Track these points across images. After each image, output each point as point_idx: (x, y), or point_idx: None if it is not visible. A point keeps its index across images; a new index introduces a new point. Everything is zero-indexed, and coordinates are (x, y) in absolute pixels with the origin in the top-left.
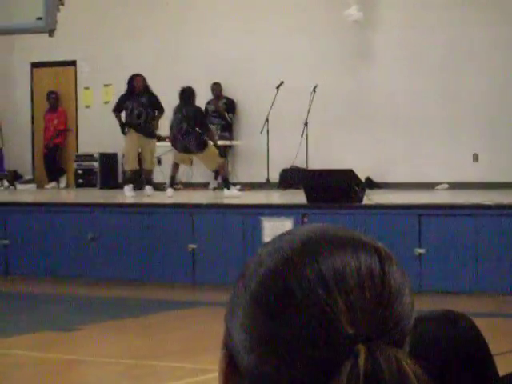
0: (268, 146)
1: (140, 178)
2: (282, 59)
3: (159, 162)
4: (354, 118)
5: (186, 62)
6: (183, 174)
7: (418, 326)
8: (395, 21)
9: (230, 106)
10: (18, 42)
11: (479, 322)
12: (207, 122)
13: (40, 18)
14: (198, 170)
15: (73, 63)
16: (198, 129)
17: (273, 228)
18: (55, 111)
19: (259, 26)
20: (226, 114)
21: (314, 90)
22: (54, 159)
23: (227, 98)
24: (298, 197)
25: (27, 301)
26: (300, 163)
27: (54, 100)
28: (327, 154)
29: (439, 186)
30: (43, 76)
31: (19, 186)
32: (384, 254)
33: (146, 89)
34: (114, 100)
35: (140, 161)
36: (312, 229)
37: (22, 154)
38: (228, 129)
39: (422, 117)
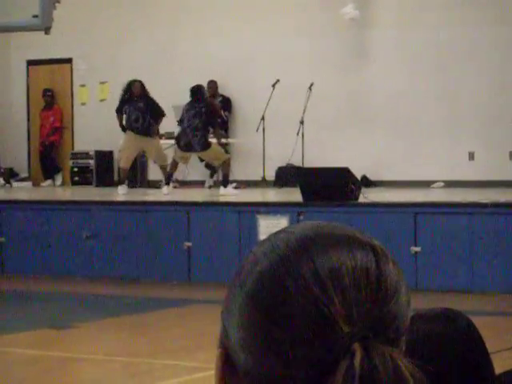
0: (264, 144)
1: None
2: (278, 57)
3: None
4: (350, 117)
5: (181, 60)
6: (179, 172)
7: (416, 324)
8: (392, 19)
9: (226, 104)
10: (14, 40)
11: (475, 321)
12: (217, 118)
13: (36, 16)
14: (193, 168)
15: (69, 61)
16: (207, 125)
17: (268, 226)
18: (51, 109)
19: (255, 24)
20: (222, 112)
21: (309, 88)
22: (49, 157)
23: (223, 96)
24: (294, 195)
25: (23, 299)
26: (296, 161)
27: (49, 98)
28: (323, 152)
29: (435, 185)
30: (39, 73)
31: (15, 184)
32: (380, 252)
33: (144, 94)
34: (109, 98)
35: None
36: (307, 227)
37: (17, 152)
38: (224, 127)
39: (418, 115)
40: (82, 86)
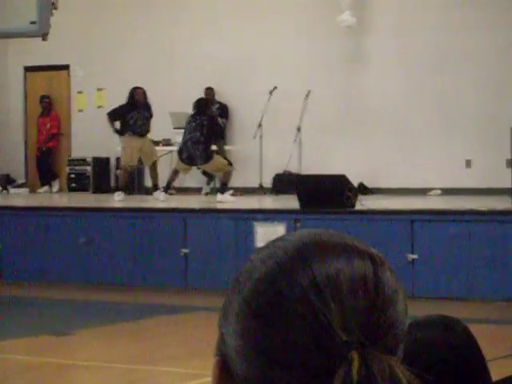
0: (261, 151)
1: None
2: (275, 65)
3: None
4: (347, 124)
5: (179, 67)
6: (176, 178)
7: (413, 331)
8: (388, 26)
9: (223, 110)
10: (12, 46)
11: (472, 328)
12: (219, 130)
13: (34, 22)
14: (190, 175)
15: (66, 67)
16: (210, 138)
17: (265, 233)
18: (48, 115)
19: (252, 31)
20: (220, 119)
21: (306, 95)
22: (46, 163)
23: (220, 103)
24: (291, 202)
25: (20, 305)
26: (293, 168)
27: (47, 104)
28: (320, 160)
29: (432, 192)
30: (37, 80)
31: (12, 190)
32: (378, 260)
33: (146, 101)
34: (107, 104)
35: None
36: (305, 234)
37: (14, 158)
38: (221, 134)
39: (415, 122)
40: (80, 92)
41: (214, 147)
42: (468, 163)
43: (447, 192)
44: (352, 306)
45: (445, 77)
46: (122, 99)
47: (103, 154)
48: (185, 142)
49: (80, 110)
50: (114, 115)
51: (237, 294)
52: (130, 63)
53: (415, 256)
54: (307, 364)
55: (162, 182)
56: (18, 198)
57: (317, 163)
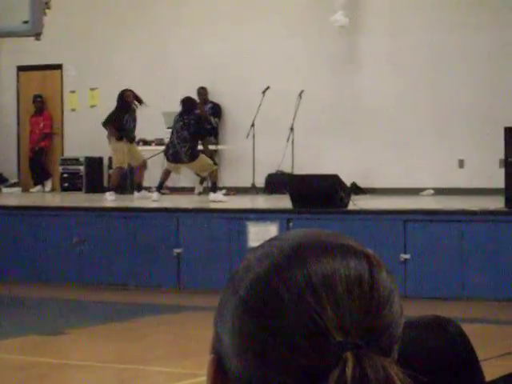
0: (254, 151)
1: (125, 183)
2: (268, 64)
3: (145, 165)
4: (339, 124)
5: (172, 66)
6: (169, 178)
7: (406, 331)
8: (381, 26)
9: (216, 110)
10: (4, 45)
11: (465, 328)
12: (206, 130)
13: (26, 22)
14: (183, 174)
15: (59, 67)
16: (196, 137)
17: (258, 232)
18: (41, 114)
19: (245, 31)
20: (212, 119)
21: (299, 95)
22: (39, 163)
23: (213, 103)
24: (284, 202)
25: (13, 305)
26: (286, 168)
27: (40, 103)
28: (313, 159)
29: (425, 192)
30: (29, 79)
31: (4, 190)
32: (374, 261)
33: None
34: (100, 104)
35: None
36: (302, 234)
37: (7, 158)
38: (214, 133)
39: (408, 122)
40: (72, 92)
41: (200, 147)
42: (461, 163)
43: (440, 192)
44: (347, 306)
45: (438, 77)
46: (114, 99)
47: (96, 154)
48: (172, 141)
49: (73, 110)
50: (111, 122)
51: (232, 294)
52: (122, 63)
53: (408, 256)
54: (301, 363)
55: (154, 182)
56: (11, 197)
57: (310, 163)
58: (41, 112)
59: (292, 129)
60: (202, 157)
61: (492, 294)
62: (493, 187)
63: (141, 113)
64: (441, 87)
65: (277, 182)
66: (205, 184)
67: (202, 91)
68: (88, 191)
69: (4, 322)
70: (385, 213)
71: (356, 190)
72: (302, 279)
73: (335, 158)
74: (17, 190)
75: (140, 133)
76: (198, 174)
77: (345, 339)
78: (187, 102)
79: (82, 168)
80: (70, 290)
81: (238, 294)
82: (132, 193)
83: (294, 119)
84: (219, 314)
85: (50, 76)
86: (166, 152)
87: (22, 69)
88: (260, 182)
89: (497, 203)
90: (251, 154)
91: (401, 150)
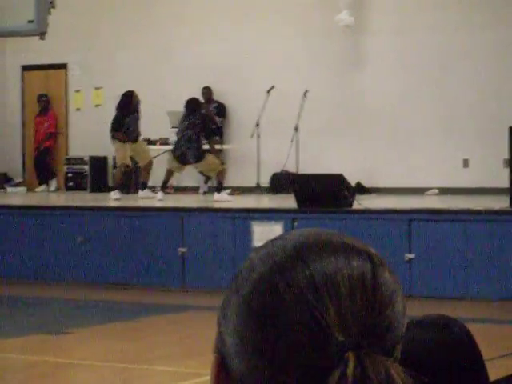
0: (258, 151)
1: (130, 182)
2: (273, 64)
3: (151, 165)
4: (344, 123)
5: (176, 65)
6: (173, 177)
7: (411, 330)
8: (386, 25)
9: (221, 110)
10: (9, 45)
11: (469, 328)
12: (211, 129)
13: (31, 21)
14: (187, 174)
15: (63, 66)
16: (202, 138)
17: (263, 232)
18: (46, 114)
19: (250, 31)
20: (217, 118)
21: (304, 94)
22: (44, 162)
23: (218, 102)
24: (288, 201)
25: (17, 304)
26: (290, 168)
27: (44, 103)
28: (318, 159)
29: (429, 192)
30: (34, 79)
31: (9, 189)
32: (377, 261)
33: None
34: (104, 103)
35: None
36: (305, 234)
37: (12, 157)
38: (218, 133)
39: (412, 122)
40: (77, 91)
41: (206, 147)
42: (465, 163)
43: (444, 191)
44: (349, 306)
45: (442, 76)
46: (119, 98)
47: (101, 153)
48: (178, 141)
49: (77, 109)
50: (120, 124)
51: (235, 293)
52: (127, 62)
53: (412, 255)
54: (303, 363)
55: (159, 181)
56: (16, 196)
57: (314, 162)
58: (45, 111)
59: (297, 128)
60: (209, 156)
61: (496, 293)
62: (497, 187)
63: (145, 112)
64: (446, 87)
65: (281, 182)
66: (209, 183)
67: (207, 91)
68: (93, 190)
69: (8, 321)
70: (389, 212)
71: (361, 189)
72: (305, 279)
73: (340, 158)
74: (21, 189)
75: (145, 132)
76: (202, 173)
77: (346, 339)
78: (191, 103)
79: (86, 167)
80: (74, 289)
81: (241, 293)
82: (137, 192)
83: (298, 119)
84: (222, 313)
85: (54, 75)
86: (173, 152)
87: (26, 68)
88: (265, 181)
89: (501, 203)
90: (256, 153)
91: (405, 150)
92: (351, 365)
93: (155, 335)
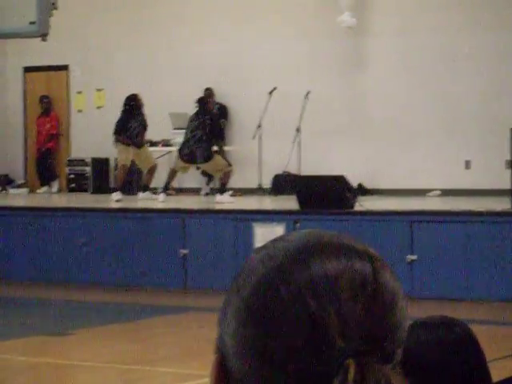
0: (260, 152)
1: (131, 184)
2: (275, 65)
3: (155, 169)
4: (346, 124)
5: (178, 67)
6: (175, 179)
7: (416, 331)
8: (388, 27)
9: (222, 111)
10: (11, 46)
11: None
12: (221, 130)
13: (33, 23)
14: (189, 175)
15: (65, 68)
16: (211, 138)
17: (264, 234)
18: (48, 115)
19: (252, 32)
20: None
21: (306, 96)
22: (46, 163)
23: (219, 104)
24: (290, 203)
25: (18, 305)
26: (292, 169)
27: (46, 104)
28: (319, 160)
29: (431, 193)
30: (36, 80)
31: (11, 191)
32: (378, 263)
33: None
34: (106, 105)
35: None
36: (305, 236)
37: (14, 159)
38: (222, 135)
39: (414, 123)
40: (79, 92)
41: (214, 147)
42: (467, 164)
43: (446, 193)
44: (350, 311)
45: (445, 78)
46: (120, 100)
47: (102, 155)
48: (187, 140)
49: (79, 111)
50: (121, 131)
51: (236, 295)
52: (129, 64)
53: (414, 257)
54: (303, 369)
55: (161, 182)
56: (18, 198)
57: (316, 164)
58: (47, 113)
59: (298, 130)
60: (217, 157)
61: (498, 295)
62: (499, 188)
63: (147, 114)
64: (448, 88)
65: (283, 183)
66: (211, 185)
67: (208, 92)
68: (94, 192)
69: (9, 322)
70: (391, 214)
71: (362, 190)
72: (305, 283)
73: (342, 159)
74: (23, 190)
75: (147, 134)
76: (206, 173)
77: (347, 345)
78: (202, 101)
79: (88, 169)
80: (75, 290)
81: (241, 295)
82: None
83: (300, 120)
84: (223, 313)
85: (56, 77)
86: (180, 151)
87: (28, 70)
88: (266, 182)
89: (503, 204)
90: (257, 154)
91: (407, 151)
92: (352, 372)
93: (156, 336)
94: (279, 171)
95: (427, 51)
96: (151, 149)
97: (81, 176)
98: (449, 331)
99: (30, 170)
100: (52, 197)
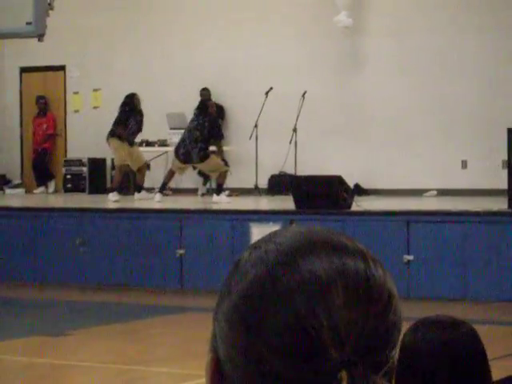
0: (257, 152)
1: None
2: (271, 65)
3: (148, 167)
4: (343, 125)
5: (175, 67)
6: (172, 179)
7: (419, 330)
8: (385, 27)
9: (219, 111)
10: (7, 47)
11: None
12: (220, 132)
13: (29, 23)
14: (186, 175)
15: (62, 68)
16: (209, 139)
17: (261, 233)
18: (44, 116)
19: (248, 32)
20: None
21: (302, 96)
22: (42, 164)
23: (216, 104)
24: (287, 203)
25: (16, 306)
26: (289, 169)
27: (43, 105)
28: (316, 160)
29: (428, 193)
30: (32, 80)
31: (8, 191)
32: (371, 263)
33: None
34: (102, 105)
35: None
36: (297, 237)
37: (10, 159)
38: (220, 136)
39: (411, 123)
40: (76, 93)
41: (212, 148)
42: (464, 164)
43: (443, 193)
44: (343, 318)
45: (441, 78)
46: (117, 100)
47: (99, 155)
48: (183, 140)
49: (76, 111)
50: (121, 125)
51: (227, 297)
52: (125, 64)
53: (411, 257)
54: (293, 376)
55: (157, 183)
56: (14, 198)
57: (312, 164)
58: (44, 113)
59: (295, 130)
60: (213, 157)
61: (495, 295)
62: (496, 188)
63: (144, 114)
64: (444, 88)
65: (280, 183)
66: (208, 185)
67: (205, 92)
68: (91, 192)
69: (7, 323)
70: (388, 214)
71: (359, 190)
72: (296, 287)
73: (338, 159)
74: (20, 191)
75: (143, 134)
76: (202, 173)
77: (340, 355)
78: (201, 104)
79: (85, 169)
80: (72, 291)
81: (231, 298)
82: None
83: (296, 120)
84: (215, 315)
85: (52, 77)
86: (176, 151)
87: (24, 70)
88: (263, 183)
89: (500, 204)
90: (254, 155)
91: (404, 151)
92: None
93: (154, 337)
94: (276, 171)
95: (423, 51)
96: (148, 149)
97: (77, 176)
98: (454, 331)
99: (27, 170)
100: (48, 197)
